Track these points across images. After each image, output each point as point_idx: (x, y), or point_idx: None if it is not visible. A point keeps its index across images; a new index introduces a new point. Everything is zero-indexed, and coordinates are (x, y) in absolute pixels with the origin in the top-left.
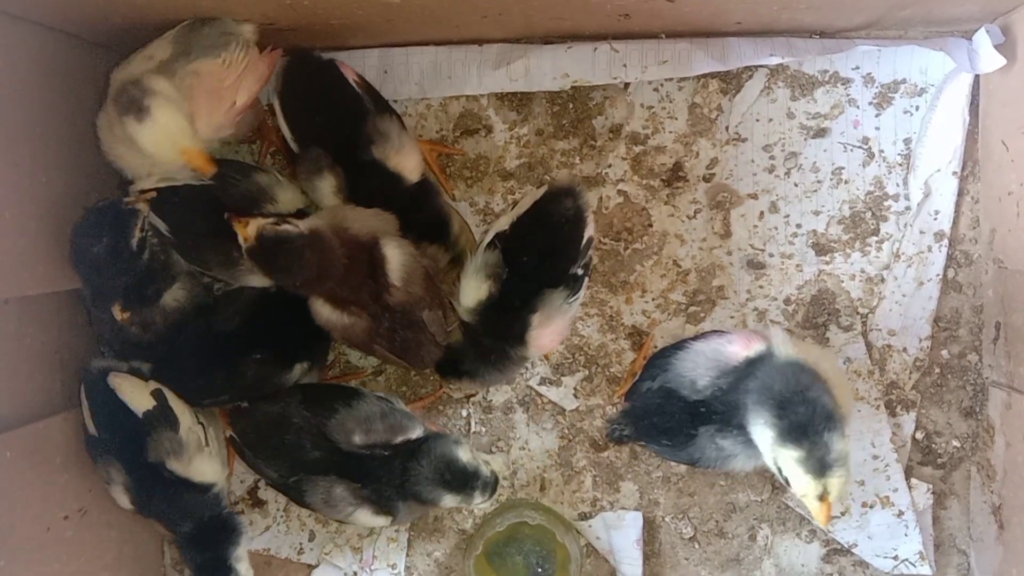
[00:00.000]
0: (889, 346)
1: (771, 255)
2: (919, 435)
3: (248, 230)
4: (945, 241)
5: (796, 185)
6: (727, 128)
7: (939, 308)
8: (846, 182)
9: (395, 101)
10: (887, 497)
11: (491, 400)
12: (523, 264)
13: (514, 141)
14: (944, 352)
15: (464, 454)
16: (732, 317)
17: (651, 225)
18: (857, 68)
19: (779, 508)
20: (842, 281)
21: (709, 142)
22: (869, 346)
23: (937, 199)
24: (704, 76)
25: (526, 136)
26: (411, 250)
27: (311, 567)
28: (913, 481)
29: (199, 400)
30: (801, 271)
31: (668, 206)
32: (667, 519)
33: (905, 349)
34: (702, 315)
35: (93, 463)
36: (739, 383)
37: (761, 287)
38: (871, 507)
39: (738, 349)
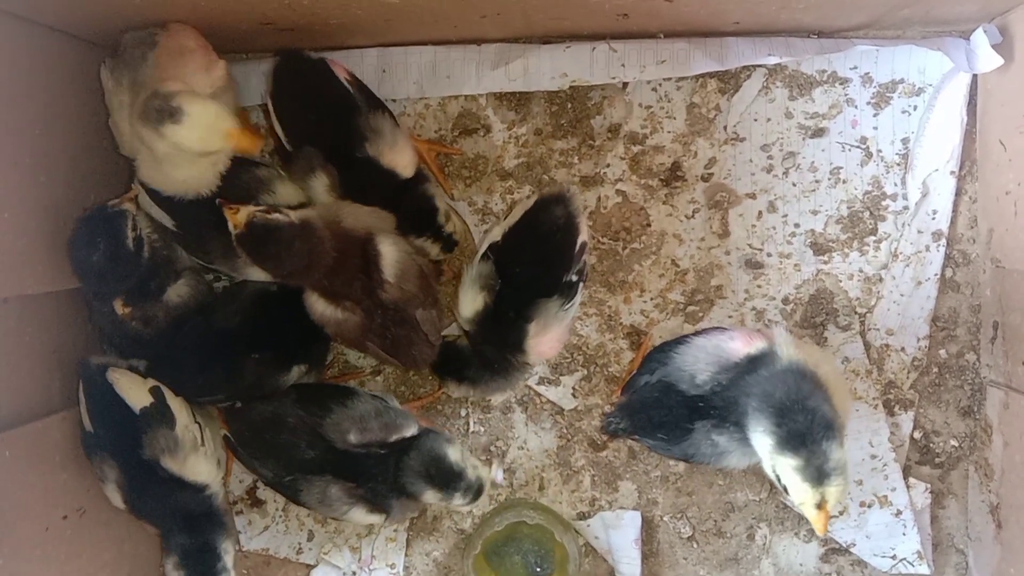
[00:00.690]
0: (887, 345)
1: (769, 255)
2: (917, 434)
3: (238, 217)
4: (943, 240)
5: (794, 185)
6: (725, 128)
7: (937, 308)
8: (844, 182)
9: (394, 100)
10: (885, 496)
11: (489, 400)
12: (516, 275)
13: (513, 141)
14: (942, 352)
15: (453, 453)
16: (730, 316)
17: (649, 225)
18: (855, 68)
19: (777, 507)
20: (840, 281)
21: (707, 142)
22: (867, 346)
23: (935, 199)
24: (702, 76)
25: (524, 136)
26: (407, 247)
27: (310, 567)
28: (911, 480)
29: (196, 397)
30: (799, 271)
31: (666, 206)
32: (665, 518)
33: (903, 349)
34: (700, 315)
35: (88, 460)
36: (739, 380)
37: (759, 287)
38: (869, 506)
39: (739, 346)
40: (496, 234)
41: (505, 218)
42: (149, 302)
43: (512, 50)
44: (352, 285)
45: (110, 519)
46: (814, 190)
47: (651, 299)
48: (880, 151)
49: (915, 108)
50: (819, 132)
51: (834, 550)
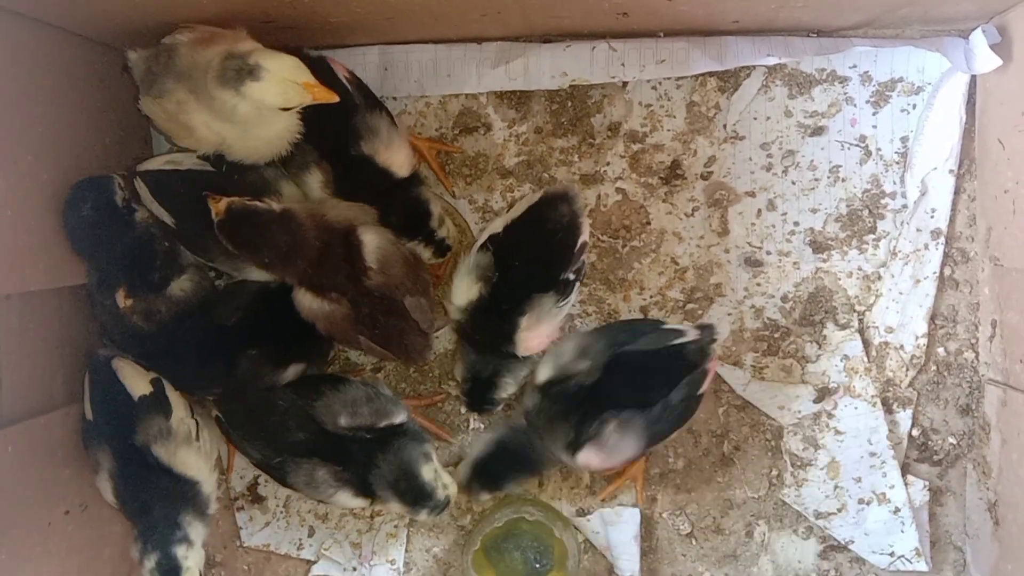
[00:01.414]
0: (886, 343)
1: (769, 253)
2: (916, 432)
3: (219, 205)
4: (942, 239)
5: (794, 183)
6: (725, 126)
7: (936, 306)
8: (843, 180)
9: (395, 99)
10: (884, 494)
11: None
12: (514, 268)
13: (513, 139)
14: (941, 350)
15: (427, 472)
16: (729, 314)
17: (649, 223)
18: (854, 67)
19: (776, 505)
20: (839, 279)
21: (707, 140)
22: (866, 343)
23: (934, 197)
24: (702, 75)
25: (525, 134)
26: (389, 236)
27: (310, 563)
28: (909, 478)
29: (192, 389)
30: (798, 269)
31: (666, 204)
32: (664, 515)
33: (902, 346)
34: (700, 312)
35: (85, 450)
36: None
37: (759, 285)
38: (868, 504)
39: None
40: (497, 225)
41: (507, 211)
42: (152, 295)
43: (512, 49)
44: (336, 275)
45: (112, 515)
46: (813, 188)
47: (651, 297)
48: (879, 149)
49: (914, 107)
50: (818, 131)
51: (832, 547)
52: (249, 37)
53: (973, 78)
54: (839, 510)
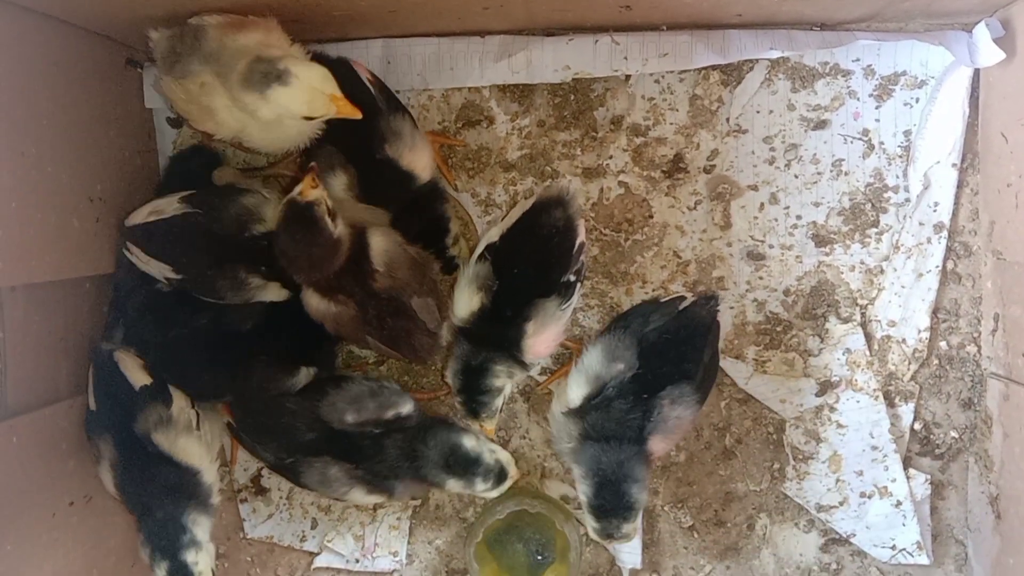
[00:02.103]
0: (888, 337)
1: (771, 246)
2: (918, 426)
3: (312, 192)
4: (944, 233)
5: (796, 177)
6: (728, 120)
7: (938, 299)
8: (846, 174)
9: (398, 92)
10: (885, 487)
11: None
12: (514, 275)
13: (516, 132)
14: (943, 343)
15: (469, 441)
16: (732, 308)
17: (652, 216)
18: (857, 60)
19: (778, 498)
20: (842, 272)
21: (710, 134)
22: (868, 337)
23: (937, 191)
24: (705, 68)
25: (528, 127)
26: (397, 238)
27: (313, 554)
28: (911, 471)
29: (202, 397)
30: (801, 262)
31: (669, 197)
32: (666, 508)
33: (904, 340)
34: None
35: (88, 441)
36: None
37: (761, 278)
38: (869, 497)
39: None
40: (493, 235)
41: (503, 219)
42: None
43: (515, 42)
44: (344, 277)
45: (116, 506)
46: (816, 182)
47: (653, 290)
48: (882, 143)
49: (917, 100)
50: (821, 124)
51: (834, 540)
52: (280, 27)
53: (976, 72)
54: (841, 503)
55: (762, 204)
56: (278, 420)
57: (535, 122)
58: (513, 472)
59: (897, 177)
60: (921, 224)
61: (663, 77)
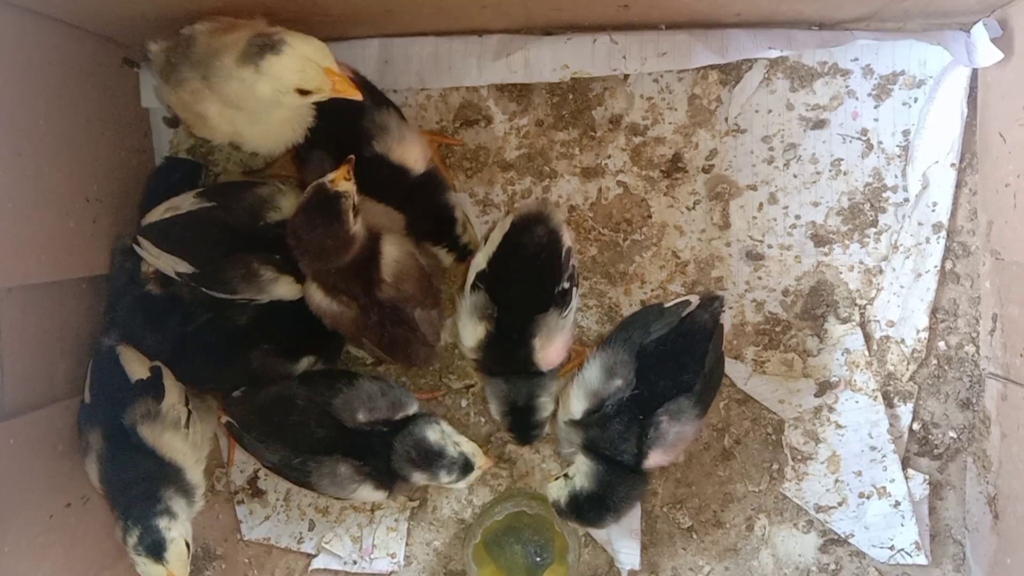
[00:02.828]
0: (887, 337)
1: (770, 246)
2: (916, 426)
3: (344, 183)
4: (943, 232)
5: (795, 176)
6: (726, 119)
7: (937, 299)
8: (845, 173)
9: (395, 91)
10: (884, 487)
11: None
12: (510, 298)
13: (514, 132)
14: (942, 343)
15: (433, 434)
16: (731, 308)
17: (650, 216)
18: (856, 60)
19: (776, 499)
20: (840, 272)
21: (708, 133)
22: (867, 337)
23: (935, 191)
24: (704, 67)
25: (526, 127)
26: (410, 249)
27: (310, 556)
28: (910, 472)
29: (200, 383)
30: (800, 262)
31: (667, 197)
32: (665, 509)
33: (903, 340)
34: None
35: (79, 435)
36: None
37: (760, 278)
38: (868, 497)
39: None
40: (480, 262)
41: (485, 243)
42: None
43: (513, 41)
44: (351, 280)
45: None
46: (815, 182)
47: (652, 290)
48: (881, 143)
49: (916, 100)
50: (820, 124)
51: (832, 541)
52: (269, 26)
53: (974, 72)
54: (839, 504)
55: (761, 204)
56: (287, 418)
57: (533, 121)
58: (481, 462)
59: (896, 177)
60: (920, 224)
61: (662, 76)
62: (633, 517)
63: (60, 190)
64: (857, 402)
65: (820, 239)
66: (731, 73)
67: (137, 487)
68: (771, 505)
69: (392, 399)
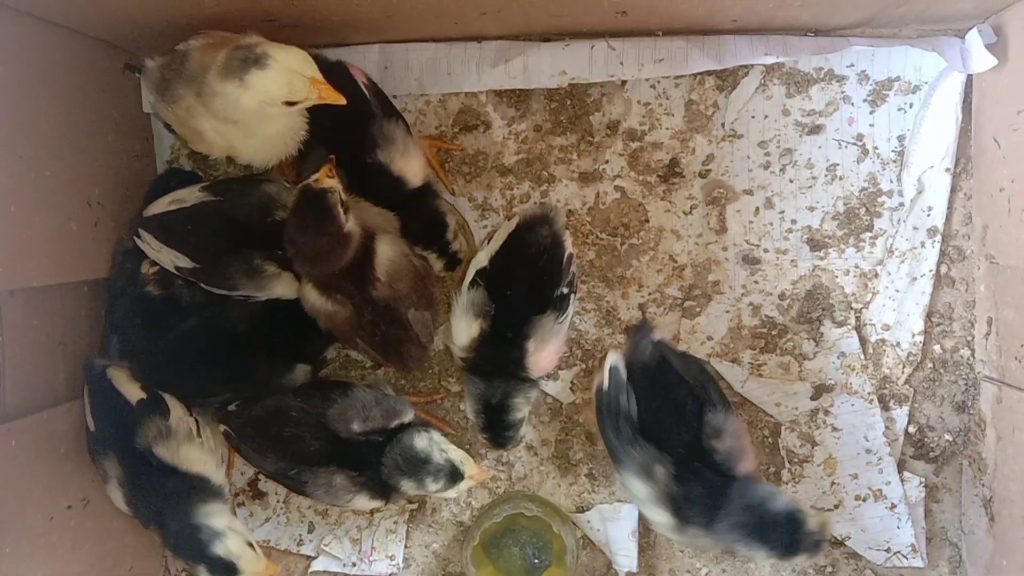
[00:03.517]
0: (883, 341)
1: (766, 250)
2: (912, 429)
3: (327, 180)
4: (938, 237)
5: (791, 181)
6: (723, 125)
7: (932, 303)
8: (840, 178)
9: (395, 97)
10: (880, 490)
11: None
12: (508, 297)
13: (512, 137)
14: (937, 347)
15: (420, 442)
16: (727, 312)
17: (647, 221)
18: (852, 66)
19: None
20: (836, 276)
21: (705, 138)
22: (863, 341)
23: (930, 195)
24: (700, 73)
25: (524, 132)
26: (404, 249)
27: (310, 558)
28: (906, 474)
29: (200, 397)
30: (796, 266)
31: (664, 202)
32: None
33: (898, 344)
34: (698, 310)
35: (92, 462)
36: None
37: (756, 282)
38: (864, 500)
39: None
40: (482, 259)
41: (488, 242)
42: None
43: (512, 48)
44: (345, 279)
45: (114, 509)
46: (811, 186)
47: (649, 294)
48: (876, 148)
49: (911, 105)
50: (816, 129)
51: (829, 543)
52: (261, 38)
53: (969, 77)
54: (836, 506)
55: (757, 208)
56: (282, 430)
57: (532, 127)
58: (471, 471)
59: (891, 181)
60: (915, 228)
61: (659, 82)
62: (631, 519)
63: (62, 193)
64: (853, 405)
65: (816, 243)
66: (727, 79)
67: (171, 519)
68: None
69: (387, 408)
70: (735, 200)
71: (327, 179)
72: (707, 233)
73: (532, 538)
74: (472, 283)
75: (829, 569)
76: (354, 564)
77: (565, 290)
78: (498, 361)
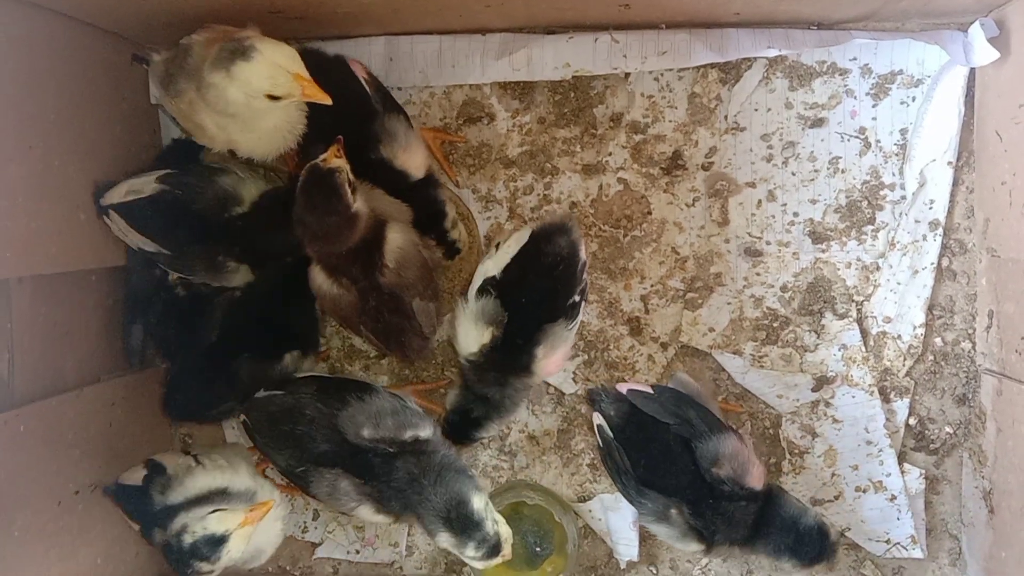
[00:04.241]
0: (884, 333)
1: (768, 243)
2: (912, 421)
3: (335, 160)
4: (940, 230)
5: (793, 174)
6: (726, 117)
7: (933, 296)
8: (843, 171)
9: (399, 89)
10: (880, 482)
11: None
12: (522, 305)
13: (516, 129)
14: (938, 340)
15: (478, 501)
16: (729, 303)
17: (650, 213)
18: (855, 59)
19: None
20: (838, 269)
21: (708, 131)
22: (864, 333)
23: (932, 188)
24: (703, 66)
25: (528, 124)
26: (414, 238)
27: (315, 545)
28: (906, 466)
29: (209, 412)
30: (798, 259)
31: (667, 194)
32: None
33: (899, 336)
34: (700, 302)
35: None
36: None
37: (758, 274)
38: (864, 491)
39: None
40: (490, 268)
41: (496, 251)
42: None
43: (516, 40)
44: (352, 263)
45: None
46: (813, 179)
47: (651, 286)
48: (879, 141)
49: (913, 99)
50: (818, 122)
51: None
52: (261, 34)
53: (972, 71)
54: (836, 498)
55: (759, 201)
56: (294, 427)
57: (535, 119)
58: (507, 552)
59: (893, 175)
60: (917, 221)
61: (662, 75)
62: (632, 509)
63: (70, 183)
64: (854, 397)
65: (818, 236)
66: (731, 72)
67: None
68: None
69: (401, 419)
70: (738, 192)
71: (335, 159)
72: (709, 225)
73: (534, 527)
74: (482, 291)
75: None
76: (358, 551)
77: (577, 298)
78: (506, 365)
